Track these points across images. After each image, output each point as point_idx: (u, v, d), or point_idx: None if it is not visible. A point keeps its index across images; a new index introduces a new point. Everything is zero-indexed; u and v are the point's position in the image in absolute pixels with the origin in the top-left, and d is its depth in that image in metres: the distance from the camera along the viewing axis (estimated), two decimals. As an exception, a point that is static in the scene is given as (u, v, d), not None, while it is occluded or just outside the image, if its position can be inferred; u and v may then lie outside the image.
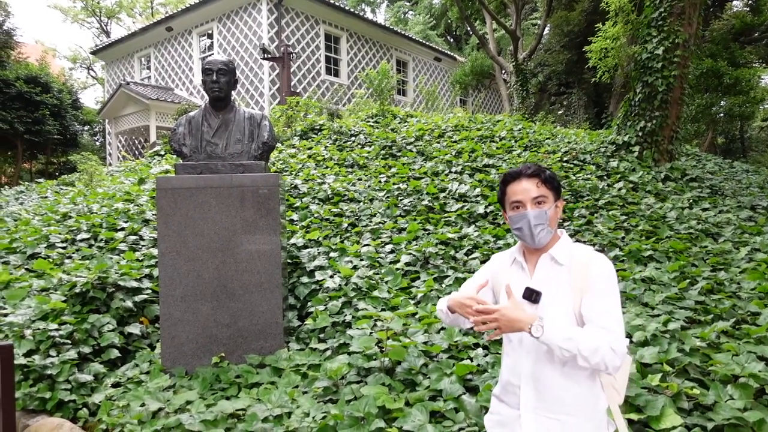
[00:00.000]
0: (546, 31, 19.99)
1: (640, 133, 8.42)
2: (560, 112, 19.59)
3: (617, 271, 4.63)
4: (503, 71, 19.97)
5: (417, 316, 3.86)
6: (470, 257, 5.01)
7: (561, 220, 6.06)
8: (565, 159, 8.18)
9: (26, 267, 5.09)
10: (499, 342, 3.27)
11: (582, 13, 18.09)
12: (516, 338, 1.74)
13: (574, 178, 7.31)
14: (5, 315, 4.00)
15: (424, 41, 22.78)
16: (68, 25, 55.30)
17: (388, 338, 3.42)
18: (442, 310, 1.86)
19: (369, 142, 9.26)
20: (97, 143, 28.59)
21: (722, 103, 17.11)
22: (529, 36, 23.04)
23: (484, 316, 1.59)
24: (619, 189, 7.05)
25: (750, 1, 18.79)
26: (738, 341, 3.38)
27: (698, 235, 5.73)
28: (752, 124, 25.40)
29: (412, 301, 4.24)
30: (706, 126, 17.79)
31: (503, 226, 5.67)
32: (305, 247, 5.29)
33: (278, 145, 9.25)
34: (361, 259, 5.05)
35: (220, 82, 3.91)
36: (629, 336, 3.35)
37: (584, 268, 1.68)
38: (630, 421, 2.59)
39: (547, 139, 9.61)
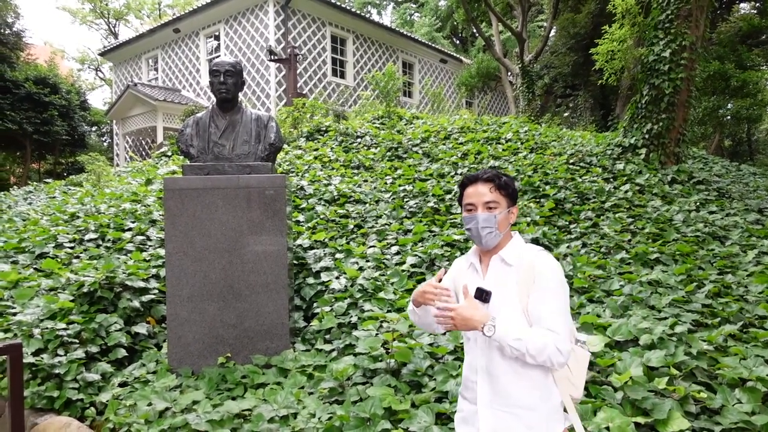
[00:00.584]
0: (552, 33, 19.94)
1: (646, 136, 8.39)
2: (566, 114, 19.54)
3: (623, 273, 4.64)
4: (509, 73, 19.95)
5: (423, 318, 3.86)
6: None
7: (567, 223, 6.05)
8: (571, 161, 8.17)
9: (35, 266, 5.13)
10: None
11: (588, 15, 18.04)
12: (472, 337, 1.85)
13: (580, 180, 7.29)
14: (14, 314, 4.03)
15: (429, 43, 22.79)
16: (77, 26, 55.80)
17: (393, 340, 3.42)
18: (410, 309, 1.96)
19: (375, 143, 9.27)
20: (105, 144, 28.75)
21: (729, 105, 17.03)
22: (535, 38, 23.00)
23: (444, 313, 1.70)
24: (626, 191, 7.02)
25: (757, 4, 18.69)
26: (745, 345, 3.37)
27: (705, 238, 5.71)
28: (759, 127, 25.24)
29: (417, 303, 4.23)
30: (713, 128, 17.71)
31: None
32: (311, 248, 5.30)
33: (285, 146, 9.27)
34: (367, 261, 5.06)
35: (228, 83, 3.93)
36: (636, 339, 3.35)
37: (529, 267, 1.76)
38: (637, 425, 2.59)
39: (553, 141, 9.59)
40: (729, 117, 17.80)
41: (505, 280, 1.79)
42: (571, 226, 5.94)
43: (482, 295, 1.75)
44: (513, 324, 1.69)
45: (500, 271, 1.82)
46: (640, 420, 2.59)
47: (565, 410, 1.80)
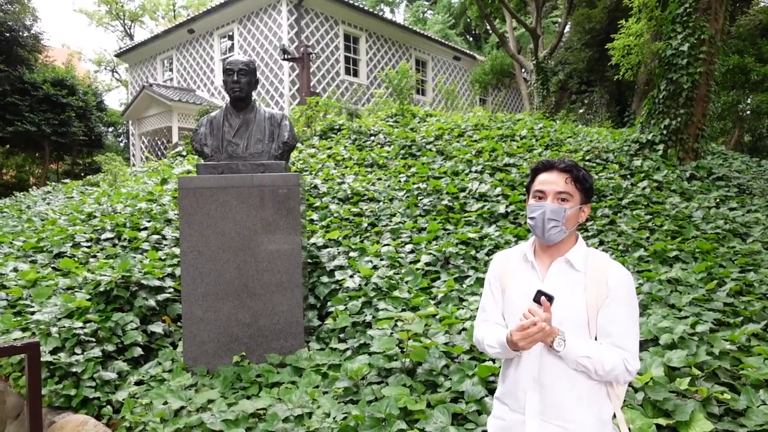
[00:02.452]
0: (567, 28, 19.75)
1: (664, 131, 8.26)
2: (582, 110, 19.32)
3: (642, 272, 4.56)
4: (523, 70, 19.79)
5: (438, 317, 3.83)
6: (491, 257, 4.96)
7: (584, 221, 5.97)
8: (587, 158, 8.06)
9: (53, 266, 5.19)
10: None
11: (604, 10, 17.81)
12: None
13: (596, 177, 7.20)
14: (32, 313, 4.08)
15: (443, 40, 22.69)
16: (93, 28, 56.53)
17: (408, 339, 3.39)
18: (495, 353, 1.74)
19: (388, 141, 9.24)
20: (121, 144, 29.10)
21: (749, 100, 16.70)
22: (550, 34, 22.79)
23: (531, 330, 1.54)
24: (643, 188, 6.91)
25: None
26: (770, 345, 3.28)
27: (725, 235, 5.59)
28: (781, 122, 24.71)
29: (432, 302, 4.21)
30: (732, 124, 17.40)
31: (524, 226, 5.60)
32: (325, 246, 5.29)
33: (298, 144, 9.28)
34: (381, 259, 5.03)
35: (241, 82, 3.93)
36: (656, 338, 3.28)
37: (601, 275, 1.64)
38: (658, 427, 2.53)
39: (568, 137, 9.48)
40: (749, 112, 17.47)
41: (569, 285, 1.66)
42: (588, 224, 5.86)
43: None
44: (580, 339, 1.60)
45: (564, 274, 1.68)
46: (662, 422, 2.53)
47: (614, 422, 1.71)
